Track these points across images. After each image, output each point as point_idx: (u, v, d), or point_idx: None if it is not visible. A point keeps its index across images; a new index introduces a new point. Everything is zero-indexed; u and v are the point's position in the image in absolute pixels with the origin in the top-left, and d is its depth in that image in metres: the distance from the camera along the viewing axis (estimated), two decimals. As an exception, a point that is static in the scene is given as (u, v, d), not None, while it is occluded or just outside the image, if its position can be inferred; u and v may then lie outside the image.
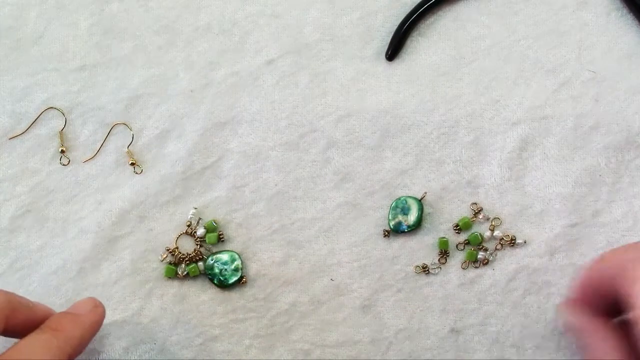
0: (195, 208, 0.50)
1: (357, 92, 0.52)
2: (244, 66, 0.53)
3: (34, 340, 0.37)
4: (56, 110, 0.52)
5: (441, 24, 0.53)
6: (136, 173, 0.51)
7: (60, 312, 0.42)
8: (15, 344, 0.37)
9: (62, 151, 0.51)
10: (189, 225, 0.50)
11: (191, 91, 0.52)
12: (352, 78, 0.52)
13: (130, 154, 0.51)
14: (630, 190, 0.50)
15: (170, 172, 0.51)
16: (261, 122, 0.52)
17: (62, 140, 0.52)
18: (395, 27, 0.53)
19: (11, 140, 0.52)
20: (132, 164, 0.51)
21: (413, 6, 0.53)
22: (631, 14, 0.53)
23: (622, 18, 0.53)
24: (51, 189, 0.51)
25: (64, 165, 0.52)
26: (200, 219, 0.50)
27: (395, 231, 0.50)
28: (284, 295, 0.49)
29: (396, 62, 0.53)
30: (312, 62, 0.53)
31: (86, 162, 0.52)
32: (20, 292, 0.50)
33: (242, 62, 0.53)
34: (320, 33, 0.53)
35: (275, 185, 0.51)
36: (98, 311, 0.42)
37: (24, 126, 0.52)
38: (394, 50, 0.52)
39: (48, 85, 0.53)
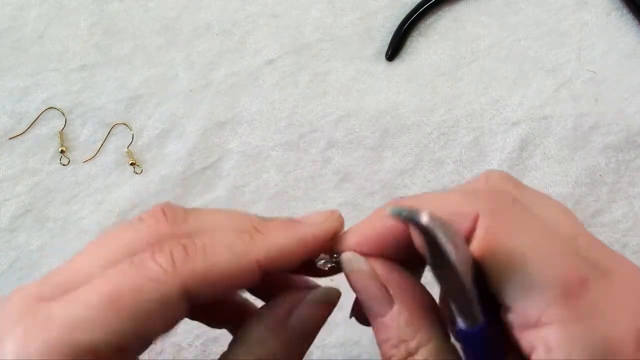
0: (195, 208, 0.50)
1: (357, 92, 0.52)
2: (244, 66, 0.53)
3: (220, 237, 0.28)
4: (56, 110, 0.52)
5: (441, 24, 0.53)
6: (136, 173, 0.51)
7: (283, 217, 0.32)
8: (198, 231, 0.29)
9: (62, 151, 0.51)
10: (189, 225, 0.50)
11: (191, 91, 0.52)
12: (352, 78, 0.52)
13: (130, 154, 0.51)
14: (630, 190, 0.50)
15: (170, 172, 0.51)
16: (261, 122, 0.52)
17: (62, 140, 0.52)
18: (395, 27, 0.53)
19: (11, 140, 0.52)
20: (132, 164, 0.51)
21: (413, 6, 0.53)
22: (631, 14, 0.53)
23: (622, 18, 0.53)
24: (51, 189, 0.51)
25: (64, 165, 0.52)
26: (200, 219, 0.50)
27: (395, 231, 0.50)
28: (284, 295, 0.49)
29: (396, 62, 0.53)
30: (312, 62, 0.53)
31: (86, 162, 0.52)
32: (20, 292, 0.50)
33: (242, 62, 0.53)
34: (320, 33, 0.53)
35: (275, 185, 0.51)
36: (325, 226, 0.31)
37: (24, 126, 0.52)
38: (394, 50, 0.52)
39: (48, 85, 0.53)
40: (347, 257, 0.31)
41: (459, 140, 0.51)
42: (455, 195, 0.29)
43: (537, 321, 0.25)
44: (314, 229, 0.31)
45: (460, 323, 0.27)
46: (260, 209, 0.50)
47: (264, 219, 0.31)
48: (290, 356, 0.30)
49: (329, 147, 0.51)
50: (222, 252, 0.28)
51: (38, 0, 0.54)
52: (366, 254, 0.30)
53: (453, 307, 0.27)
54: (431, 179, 0.51)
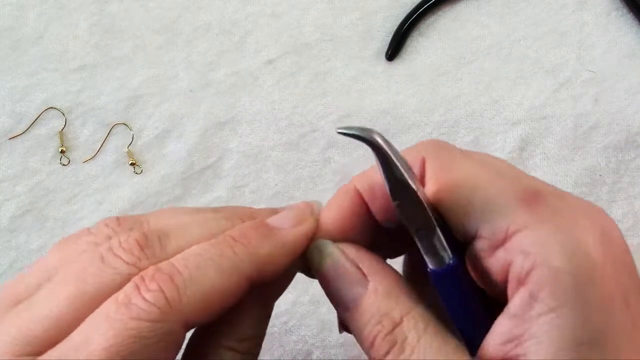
0: (195, 208, 0.50)
1: (357, 92, 0.52)
2: (244, 66, 0.53)
3: (201, 251, 0.27)
4: (56, 110, 0.52)
5: (441, 24, 0.53)
6: (136, 173, 0.51)
7: (255, 221, 0.30)
8: (178, 256, 0.28)
9: (62, 151, 0.51)
10: (189, 225, 0.50)
11: (191, 91, 0.52)
12: (352, 78, 0.52)
13: (130, 154, 0.51)
14: (630, 190, 0.50)
15: (170, 172, 0.51)
16: (261, 122, 0.52)
17: (62, 140, 0.52)
18: (395, 27, 0.53)
19: (11, 140, 0.52)
20: (132, 164, 0.51)
21: (413, 6, 0.53)
22: (631, 14, 0.53)
23: (622, 18, 0.53)
24: (51, 189, 0.51)
25: (64, 165, 0.52)
26: (200, 219, 0.50)
27: (395, 231, 0.50)
28: (284, 295, 0.49)
29: (396, 62, 0.53)
30: (312, 62, 0.53)
31: (86, 162, 0.52)
32: (20, 292, 0.50)
33: (242, 62, 0.53)
34: (320, 33, 0.53)
35: (275, 185, 0.51)
36: (304, 227, 0.30)
37: (24, 126, 0.52)
38: (394, 50, 0.52)
39: (48, 85, 0.53)
40: (314, 245, 0.30)
41: (459, 140, 0.51)
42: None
43: (506, 234, 0.25)
44: (294, 236, 0.30)
45: (430, 264, 0.27)
46: (260, 209, 0.50)
47: (231, 220, 0.30)
48: (267, 323, 0.31)
49: (329, 147, 0.51)
50: (211, 275, 0.27)
51: (38, 0, 0.54)
52: (333, 239, 0.30)
53: (420, 246, 0.27)
54: (431, 179, 0.51)
